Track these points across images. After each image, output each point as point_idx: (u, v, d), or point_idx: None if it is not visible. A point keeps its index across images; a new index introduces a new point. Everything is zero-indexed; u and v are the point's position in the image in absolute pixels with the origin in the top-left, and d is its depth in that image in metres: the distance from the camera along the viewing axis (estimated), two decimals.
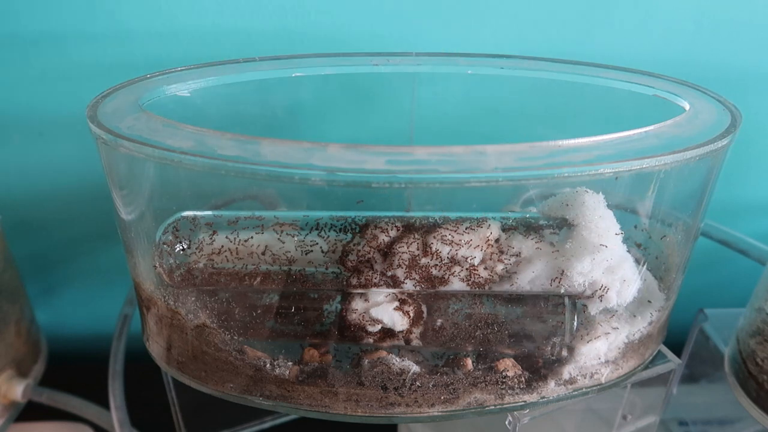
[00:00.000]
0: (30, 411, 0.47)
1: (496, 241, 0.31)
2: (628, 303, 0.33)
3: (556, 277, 0.32)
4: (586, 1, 0.49)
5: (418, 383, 0.32)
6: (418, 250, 0.31)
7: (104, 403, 0.43)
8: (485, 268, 0.32)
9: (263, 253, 0.33)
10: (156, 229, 0.33)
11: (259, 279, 0.33)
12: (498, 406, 0.33)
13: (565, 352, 0.33)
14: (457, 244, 0.31)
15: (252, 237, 0.33)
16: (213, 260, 0.33)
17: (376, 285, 0.32)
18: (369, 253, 0.32)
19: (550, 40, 0.51)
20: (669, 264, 0.35)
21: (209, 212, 0.34)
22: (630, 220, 0.35)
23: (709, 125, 0.31)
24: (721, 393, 0.46)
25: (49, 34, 0.44)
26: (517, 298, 0.34)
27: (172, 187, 0.31)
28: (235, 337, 0.33)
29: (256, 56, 0.44)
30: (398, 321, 0.32)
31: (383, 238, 0.32)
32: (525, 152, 0.26)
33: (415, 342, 0.33)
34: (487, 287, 0.32)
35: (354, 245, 0.32)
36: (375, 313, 0.32)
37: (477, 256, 0.31)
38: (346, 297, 0.33)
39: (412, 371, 0.32)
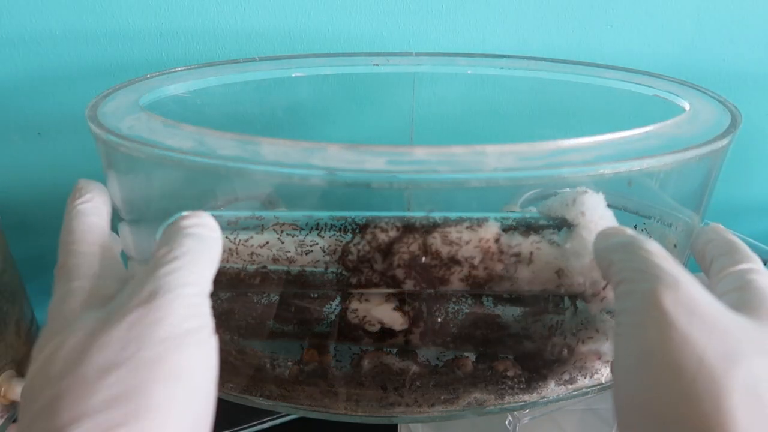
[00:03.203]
0: None
1: (496, 241, 0.31)
2: None
3: (556, 277, 0.32)
4: (586, 1, 0.50)
5: (418, 383, 0.32)
6: (418, 250, 0.31)
7: None
8: (485, 268, 0.32)
9: (263, 252, 0.33)
10: (156, 229, 0.33)
11: (259, 279, 0.33)
12: (498, 406, 0.33)
13: (565, 352, 0.33)
14: (457, 244, 0.31)
15: (252, 237, 0.33)
16: None
17: (376, 285, 0.32)
18: (369, 253, 0.32)
19: (550, 40, 0.51)
20: None
21: (209, 212, 0.34)
22: (630, 220, 0.35)
23: (709, 125, 0.31)
24: None
25: (49, 34, 0.44)
26: (517, 298, 0.34)
27: (172, 187, 0.31)
28: (235, 337, 0.33)
29: (256, 56, 0.44)
30: (398, 321, 0.32)
31: (383, 238, 0.32)
32: (525, 152, 0.26)
33: (415, 342, 0.33)
34: (487, 287, 0.32)
35: (354, 245, 0.32)
36: (375, 313, 0.32)
37: (477, 256, 0.31)
38: (346, 297, 0.33)
39: (412, 371, 0.32)
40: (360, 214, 0.33)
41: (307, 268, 0.33)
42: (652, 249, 0.25)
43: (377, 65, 0.44)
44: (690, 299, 0.22)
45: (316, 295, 0.34)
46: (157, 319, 0.21)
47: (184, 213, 0.26)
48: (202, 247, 0.24)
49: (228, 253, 0.33)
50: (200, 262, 0.24)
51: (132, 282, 0.23)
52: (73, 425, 0.19)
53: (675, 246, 0.34)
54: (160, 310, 0.21)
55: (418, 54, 0.46)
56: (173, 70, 0.40)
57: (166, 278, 0.22)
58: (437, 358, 0.33)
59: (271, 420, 0.50)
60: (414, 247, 0.31)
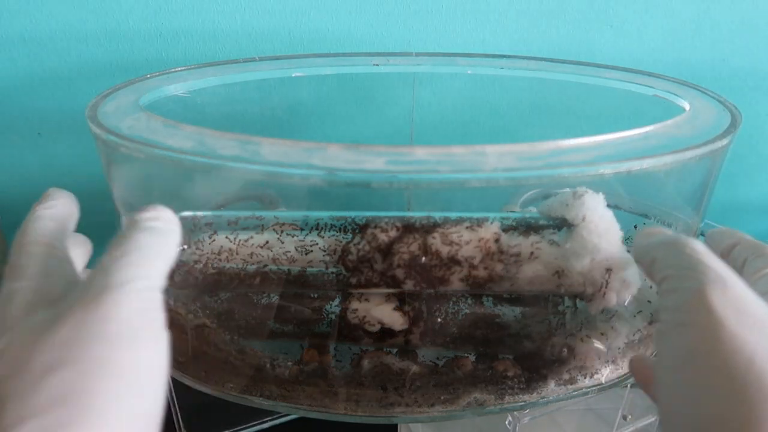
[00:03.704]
0: None
1: (496, 241, 0.31)
2: (627, 303, 0.33)
3: (556, 277, 0.32)
4: (586, 1, 0.50)
5: (418, 383, 0.32)
6: (418, 250, 0.31)
7: None
8: (485, 268, 0.32)
9: (263, 252, 0.33)
10: None
11: (259, 279, 0.33)
12: (498, 406, 0.33)
13: (565, 352, 0.33)
14: (457, 244, 0.31)
15: (252, 237, 0.33)
16: (213, 260, 0.33)
17: (376, 285, 0.32)
18: (369, 253, 0.32)
19: (550, 40, 0.51)
20: None
21: (209, 212, 0.34)
22: (630, 219, 0.35)
23: (709, 125, 0.31)
24: None
25: (49, 34, 0.44)
26: (517, 298, 0.34)
27: (172, 187, 0.31)
28: (235, 337, 0.33)
29: (256, 56, 0.44)
30: (398, 321, 0.32)
31: (383, 238, 0.32)
32: (525, 152, 0.26)
33: (415, 342, 0.33)
34: (487, 287, 0.32)
35: (354, 245, 0.32)
36: (375, 313, 0.32)
37: (477, 256, 0.31)
38: (346, 297, 0.33)
39: (412, 371, 0.32)
40: (360, 214, 0.33)
41: (307, 268, 0.33)
42: (698, 247, 0.24)
43: (377, 65, 0.44)
44: (738, 298, 0.22)
45: (316, 295, 0.34)
46: (104, 316, 0.21)
47: (143, 207, 0.25)
48: (155, 241, 0.24)
49: (228, 253, 0.33)
50: (152, 255, 0.23)
51: (82, 280, 0.23)
52: (17, 427, 0.19)
53: None
54: (108, 307, 0.21)
55: (418, 54, 0.46)
56: (173, 70, 0.40)
57: (115, 274, 0.22)
58: (437, 358, 0.33)
59: (271, 420, 0.50)
60: (414, 247, 0.31)
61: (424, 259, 0.31)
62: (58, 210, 0.27)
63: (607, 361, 0.34)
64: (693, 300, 0.22)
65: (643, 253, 0.27)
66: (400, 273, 0.31)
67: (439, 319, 0.33)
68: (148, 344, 0.22)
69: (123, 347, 0.21)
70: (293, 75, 0.43)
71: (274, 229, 0.33)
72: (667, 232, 0.26)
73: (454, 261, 0.31)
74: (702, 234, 0.44)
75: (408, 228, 0.32)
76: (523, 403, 0.33)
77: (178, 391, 0.42)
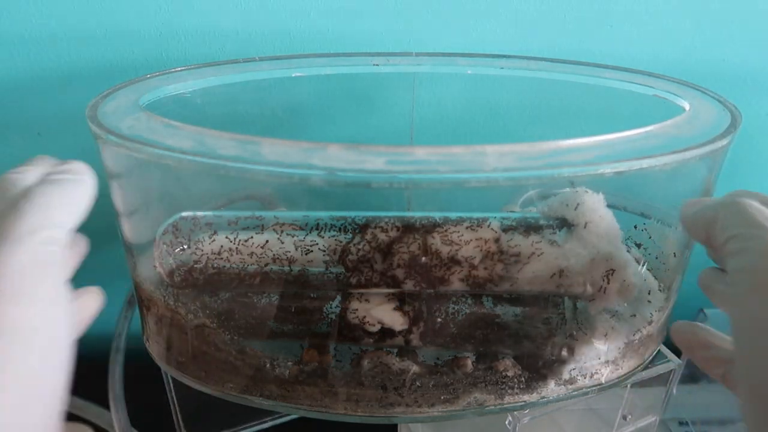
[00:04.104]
0: None
1: (496, 241, 0.31)
2: (627, 303, 0.33)
3: (556, 277, 0.32)
4: (586, 1, 0.50)
5: (418, 383, 0.32)
6: (418, 250, 0.31)
7: (104, 403, 0.43)
8: (485, 268, 0.32)
9: (263, 252, 0.33)
10: (156, 229, 0.33)
11: (258, 279, 0.33)
12: (498, 406, 0.33)
13: (565, 352, 0.33)
14: (457, 244, 0.31)
15: (252, 237, 0.33)
16: (213, 260, 0.33)
17: (376, 285, 0.32)
18: (369, 253, 0.32)
19: (550, 40, 0.51)
20: (669, 264, 0.35)
21: (209, 212, 0.34)
22: (630, 220, 0.35)
23: (709, 125, 0.31)
24: (721, 393, 0.46)
25: (49, 34, 0.44)
26: (517, 298, 0.34)
27: (172, 187, 0.31)
28: (235, 337, 0.33)
29: (256, 56, 0.44)
30: (398, 321, 0.32)
31: (383, 238, 0.32)
32: (525, 152, 0.26)
33: (415, 342, 0.33)
34: (487, 287, 0.32)
35: (354, 245, 0.32)
36: (375, 313, 0.32)
37: (477, 256, 0.31)
38: (346, 297, 0.33)
39: (412, 371, 0.32)
40: (360, 214, 0.33)
41: (307, 268, 0.33)
42: (759, 206, 0.23)
43: (377, 65, 0.44)
44: None
45: (316, 295, 0.34)
46: None
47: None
48: (58, 193, 0.23)
49: (228, 253, 0.33)
50: (52, 206, 0.22)
51: None
52: None
53: (674, 255, 0.34)
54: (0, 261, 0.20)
55: (418, 54, 0.46)
56: (173, 70, 0.40)
57: (9, 227, 0.21)
58: (437, 358, 0.33)
59: (271, 420, 0.49)
60: (414, 247, 0.31)
61: (424, 259, 0.31)
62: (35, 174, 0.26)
63: (607, 361, 0.34)
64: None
65: (697, 217, 0.26)
66: (400, 273, 0.31)
67: (439, 319, 0.33)
68: (42, 301, 0.21)
69: (14, 303, 0.20)
70: (293, 75, 0.43)
71: (274, 229, 0.33)
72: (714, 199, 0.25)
73: (454, 261, 0.31)
74: None
75: (408, 228, 0.32)
76: (523, 403, 0.33)
77: (178, 391, 0.42)
